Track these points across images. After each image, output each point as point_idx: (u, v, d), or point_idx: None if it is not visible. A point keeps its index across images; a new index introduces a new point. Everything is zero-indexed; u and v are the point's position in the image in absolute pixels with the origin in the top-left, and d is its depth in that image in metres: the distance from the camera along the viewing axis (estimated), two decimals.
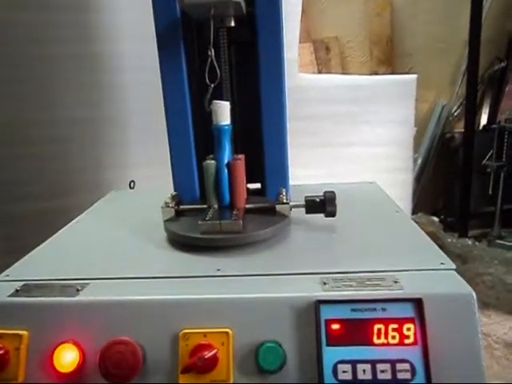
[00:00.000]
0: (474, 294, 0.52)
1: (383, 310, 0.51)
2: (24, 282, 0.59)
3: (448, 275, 0.57)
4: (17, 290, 0.56)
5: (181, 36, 0.75)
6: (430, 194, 2.50)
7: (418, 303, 0.51)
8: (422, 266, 0.58)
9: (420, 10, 2.38)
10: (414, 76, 1.56)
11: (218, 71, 0.71)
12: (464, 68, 2.33)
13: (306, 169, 1.30)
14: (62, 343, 0.52)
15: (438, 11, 2.37)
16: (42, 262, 0.67)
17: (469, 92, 2.17)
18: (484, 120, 2.48)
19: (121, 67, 1.33)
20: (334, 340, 0.50)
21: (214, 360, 0.50)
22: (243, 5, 0.69)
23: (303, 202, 0.74)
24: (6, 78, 1.28)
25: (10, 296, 0.55)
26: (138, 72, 1.31)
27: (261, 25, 0.74)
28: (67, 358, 0.51)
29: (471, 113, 2.19)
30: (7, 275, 0.62)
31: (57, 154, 1.36)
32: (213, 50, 0.69)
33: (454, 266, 0.58)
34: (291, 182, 0.83)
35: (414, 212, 2.08)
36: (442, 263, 0.59)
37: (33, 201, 1.35)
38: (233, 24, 0.73)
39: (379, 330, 0.51)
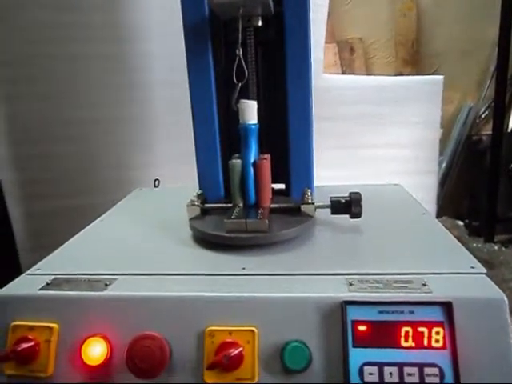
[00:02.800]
0: (505, 298, 0.50)
1: (411, 312, 0.51)
2: (54, 276, 0.60)
3: (478, 279, 0.55)
4: (47, 284, 0.58)
5: (209, 35, 0.75)
6: (454, 198, 2.45)
7: (447, 307, 0.50)
8: (451, 270, 0.57)
9: (447, 11, 2.34)
10: (441, 77, 1.53)
11: (246, 71, 0.71)
12: (493, 69, 2.27)
13: (330, 170, 1.28)
14: (91, 337, 0.52)
15: (465, 11, 2.32)
16: (71, 256, 0.69)
17: (498, 94, 2.11)
18: None
19: (147, 67, 1.35)
20: (361, 341, 0.50)
21: (240, 358, 0.50)
22: (271, 4, 0.69)
23: (328, 203, 0.73)
24: (34, 78, 1.31)
25: (40, 289, 0.57)
26: (165, 72, 1.32)
27: (288, 24, 0.74)
28: (95, 351, 0.52)
29: (500, 115, 2.13)
30: (38, 269, 0.64)
31: (83, 152, 1.38)
32: (241, 50, 0.69)
33: (484, 270, 0.57)
34: (315, 182, 0.83)
35: (438, 215, 2.04)
36: (472, 267, 0.58)
37: (60, 198, 1.38)
38: (260, 23, 0.73)
39: (407, 332, 0.50)
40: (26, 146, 1.36)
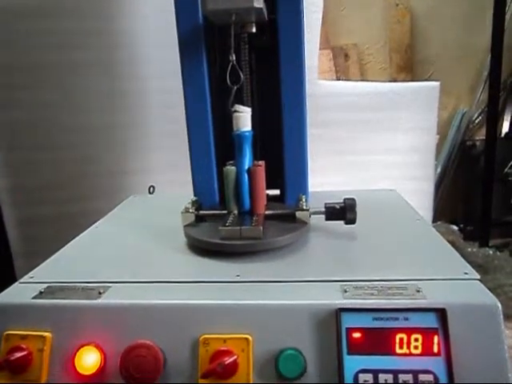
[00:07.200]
0: (499, 304, 0.51)
1: (405, 319, 0.51)
2: (48, 284, 0.59)
3: (472, 285, 0.55)
4: (41, 292, 0.57)
5: (203, 42, 0.75)
6: (449, 203, 2.46)
7: (441, 313, 0.50)
8: (445, 276, 0.57)
9: (440, 17, 2.36)
10: (437, 83, 1.54)
11: (242, 74, 0.71)
12: (486, 75, 2.29)
13: (325, 176, 1.29)
14: (84, 345, 0.52)
15: (458, 18, 2.34)
16: (65, 264, 0.68)
17: (491, 99, 2.13)
18: (506, 127, 2.43)
19: (143, 74, 1.35)
20: (356, 348, 0.50)
21: (234, 366, 0.49)
22: (265, 11, 0.69)
23: (323, 209, 0.73)
24: (33, 85, 1.31)
25: (34, 298, 0.56)
26: (160, 79, 1.33)
27: (283, 31, 0.74)
28: (89, 360, 0.51)
29: (493, 120, 2.15)
30: (31, 277, 0.63)
31: (79, 158, 1.38)
32: (234, 56, 0.69)
33: (478, 276, 0.57)
34: (310, 188, 0.83)
35: (433, 220, 2.05)
36: (465, 273, 0.58)
37: (55, 204, 1.37)
38: (254, 30, 0.73)
39: (401, 339, 0.50)
40: (20, 152, 1.35)
